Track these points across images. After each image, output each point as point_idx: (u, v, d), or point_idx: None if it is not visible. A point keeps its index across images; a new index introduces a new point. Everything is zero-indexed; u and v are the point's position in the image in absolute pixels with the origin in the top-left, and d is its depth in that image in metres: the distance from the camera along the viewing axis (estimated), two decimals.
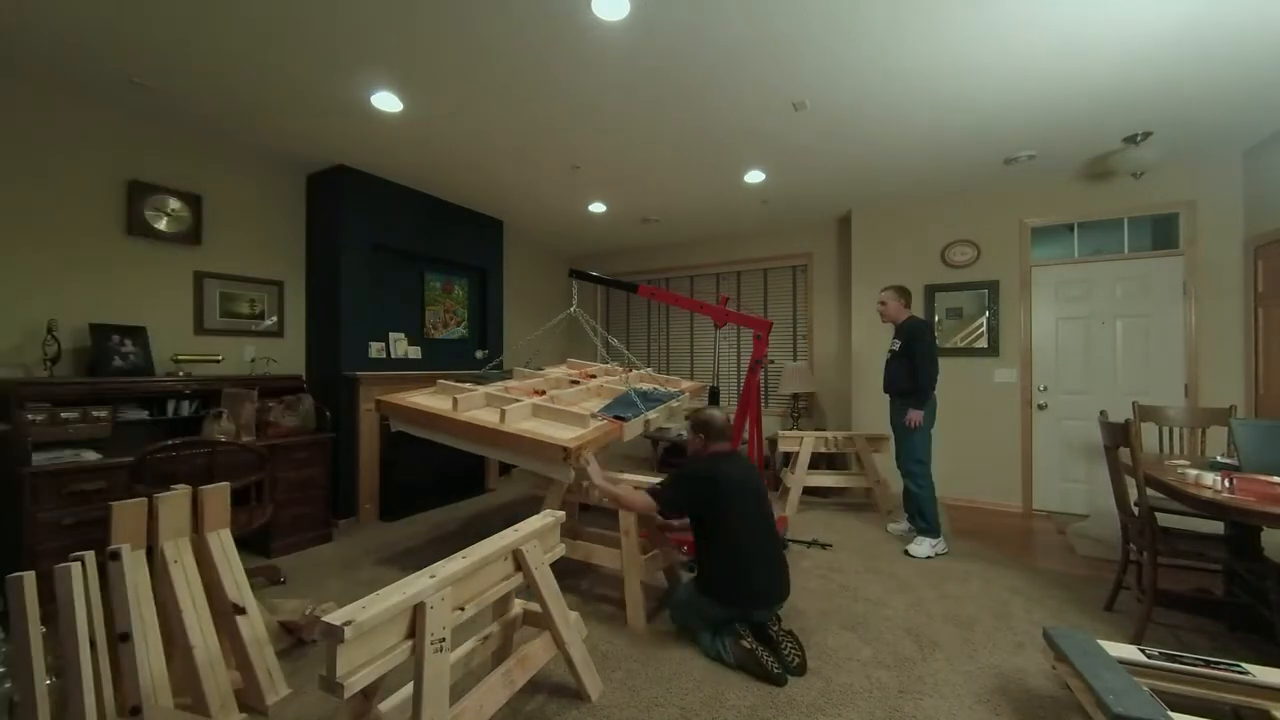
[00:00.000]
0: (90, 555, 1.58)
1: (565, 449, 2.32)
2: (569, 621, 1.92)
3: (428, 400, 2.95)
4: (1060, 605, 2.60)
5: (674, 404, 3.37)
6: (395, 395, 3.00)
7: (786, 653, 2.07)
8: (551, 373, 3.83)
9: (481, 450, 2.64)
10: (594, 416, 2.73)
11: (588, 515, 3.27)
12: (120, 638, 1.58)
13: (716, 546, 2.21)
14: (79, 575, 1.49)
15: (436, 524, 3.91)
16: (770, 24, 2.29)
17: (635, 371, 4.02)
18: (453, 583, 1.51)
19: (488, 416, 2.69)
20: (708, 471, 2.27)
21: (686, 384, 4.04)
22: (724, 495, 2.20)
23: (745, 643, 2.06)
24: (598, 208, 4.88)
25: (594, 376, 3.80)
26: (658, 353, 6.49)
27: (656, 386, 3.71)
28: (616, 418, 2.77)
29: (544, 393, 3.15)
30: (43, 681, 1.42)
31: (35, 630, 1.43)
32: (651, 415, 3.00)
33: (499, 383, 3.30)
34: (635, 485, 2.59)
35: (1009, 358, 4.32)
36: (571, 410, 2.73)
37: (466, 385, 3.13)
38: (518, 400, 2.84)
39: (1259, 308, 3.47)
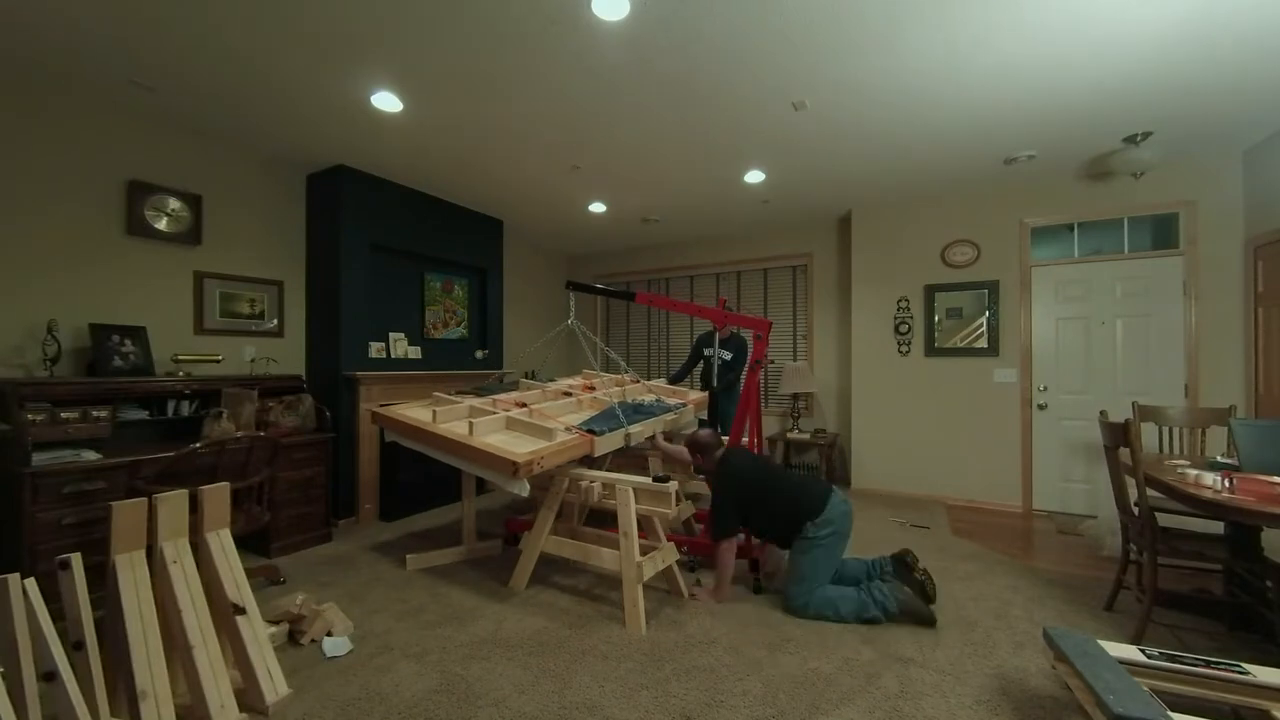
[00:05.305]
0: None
1: (515, 464, 2.33)
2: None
3: (414, 412, 2.96)
4: (1060, 605, 2.60)
5: (670, 417, 3.36)
6: (390, 408, 3.02)
7: (923, 580, 2.44)
8: (562, 384, 3.83)
9: (453, 462, 2.64)
10: (569, 430, 2.71)
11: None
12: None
13: (778, 517, 2.55)
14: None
15: (437, 524, 3.91)
16: (770, 24, 2.29)
17: (639, 384, 3.99)
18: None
19: (459, 429, 2.70)
20: (727, 476, 2.63)
21: (694, 395, 4.02)
22: (751, 479, 2.61)
23: (901, 586, 2.39)
24: (598, 208, 4.88)
25: (593, 388, 3.78)
26: (659, 356, 6.48)
27: (660, 398, 3.68)
28: (590, 431, 2.76)
29: (524, 404, 3.14)
30: (32, 683, 1.41)
31: (23, 631, 1.42)
32: (634, 429, 2.96)
33: (496, 394, 3.31)
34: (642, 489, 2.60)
35: (1009, 358, 4.32)
36: (543, 424, 2.72)
37: (469, 396, 3.12)
38: (492, 412, 2.84)
39: (1259, 308, 3.47)
